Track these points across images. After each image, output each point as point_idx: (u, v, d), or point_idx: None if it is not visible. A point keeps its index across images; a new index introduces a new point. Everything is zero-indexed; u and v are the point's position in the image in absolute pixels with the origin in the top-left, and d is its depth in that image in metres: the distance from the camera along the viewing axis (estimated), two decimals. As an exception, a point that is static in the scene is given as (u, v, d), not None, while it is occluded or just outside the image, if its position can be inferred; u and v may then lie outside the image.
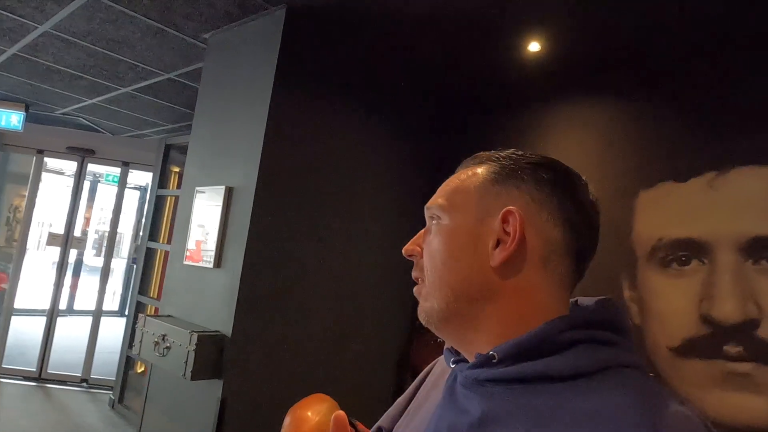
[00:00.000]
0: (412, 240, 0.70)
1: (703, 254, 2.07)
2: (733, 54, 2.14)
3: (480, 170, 0.66)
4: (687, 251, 2.11)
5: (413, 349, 2.75)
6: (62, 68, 3.42)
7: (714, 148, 2.12)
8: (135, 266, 5.41)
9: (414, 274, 0.68)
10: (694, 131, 2.19)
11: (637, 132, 2.35)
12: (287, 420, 1.62)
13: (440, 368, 0.75)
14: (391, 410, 0.82)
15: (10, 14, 2.67)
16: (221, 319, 2.19)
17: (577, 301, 0.64)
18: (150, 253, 4.77)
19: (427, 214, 0.69)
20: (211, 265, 2.31)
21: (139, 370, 4.76)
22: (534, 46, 2.40)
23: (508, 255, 0.59)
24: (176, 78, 3.33)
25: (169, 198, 4.71)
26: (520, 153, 0.66)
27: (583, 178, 0.66)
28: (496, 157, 0.66)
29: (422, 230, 0.70)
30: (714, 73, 2.19)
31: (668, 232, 2.17)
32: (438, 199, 0.67)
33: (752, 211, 1.98)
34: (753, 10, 1.90)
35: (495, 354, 0.57)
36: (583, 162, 2.50)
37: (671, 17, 2.02)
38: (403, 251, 0.70)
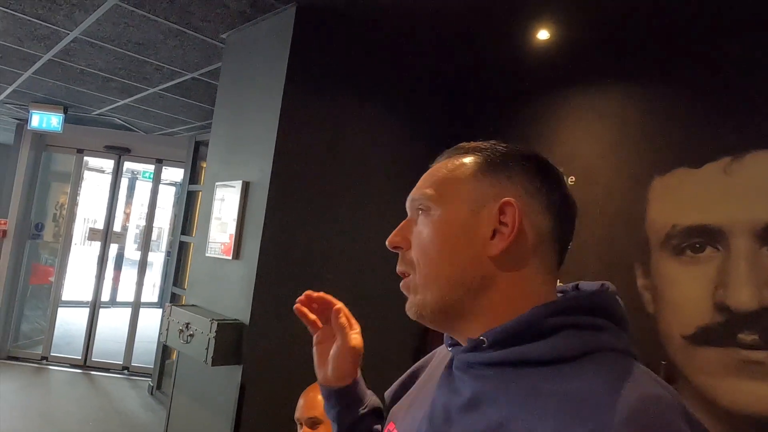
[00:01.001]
0: (395, 231, 0.69)
1: (717, 241, 2.03)
2: (746, 36, 2.08)
3: (467, 160, 0.66)
4: (701, 238, 2.07)
5: (430, 335, 2.79)
6: (94, 71, 3.60)
7: (729, 132, 2.06)
8: (170, 259, 5.64)
9: (399, 268, 0.68)
10: (708, 116, 2.13)
11: (650, 118, 2.31)
12: (301, 401, 1.70)
13: (443, 353, 0.78)
14: (394, 386, 0.85)
15: (43, 22, 2.83)
16: (240, 308, 2.29)
17: (578, 285, 0.65)
18: (183, 246, 4.96)
19: (412, 205, 0.68)
20: (230, 257, 2.41)
21: (176, 358, 4.97)
22: (544, 34, 2.38)
23: (507, 245, 0.60)
24: (200, 77, 3.45)
25: (200, 193, 4.89)
26: (504, 144, 0.67)
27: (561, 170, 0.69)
28: (482, 148, 0.67)
29: (405, 221, 0.69)
30: (728, 56, 2.13)
31: (682, 218, 2.14)
32: (426, 189, 0.66)
33: (768, 196, 1.93)
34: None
35: (484, 339, 0.60)
36: (596, 149, 2.47)
37: (683, 0, 1.98)
38: (387, 243, 0.69)
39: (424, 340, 2.83)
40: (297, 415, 1.57)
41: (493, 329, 0.59)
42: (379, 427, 0.83)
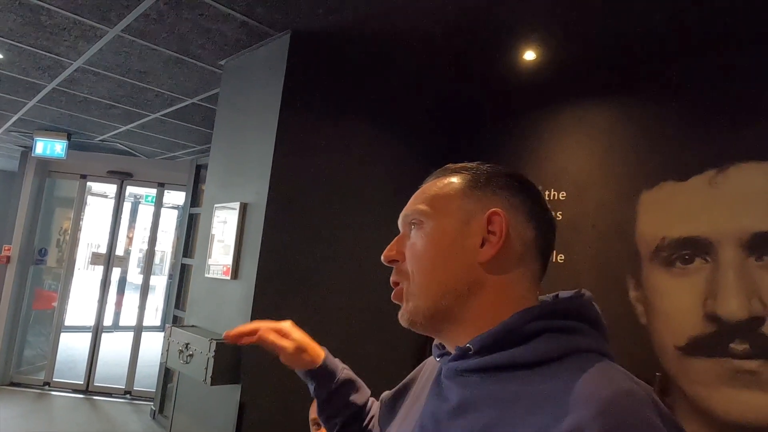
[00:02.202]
0: (390, 246, 0.74)
1: (706, 252, 2.07)
2: (728, 50, 2.14)
3: (455, 179, 0.72)
4: (690, 250, 2.11)
5: (429, 350, 2.81)
6: (97, 98, 3.69)
7: (713, 145, 2.11)
8: (172, 281, 5.67)
9: (394, 278, 0.73)
10: (693, 130, 2.19)
11: (637, 133, 2.36)
12: (313, 403, 1.73)
13: (432, 364, 0.82)
14: (391, 392, 0.91)
15: (47, 53, 2.93)
16: (238, 328, 2.32)
17: (558, 294, 0.70)
18: (185, 269, 4.99)
19: (404, 221, 0.74)
20: (229, 277, 2.45)
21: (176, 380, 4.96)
22: (530, 55, 2.46)
23: (496, 251, 0.66)
24: (200, 102, 3.54)
25: (201, 215, 4.94)
26: (487, 165, 0.74)
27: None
28: (467, 168, 0.73)
29: (398, 236, 0.74)
30: (710, 71, 2.19)
31: (671, 231, 2.18)
32: (419, 205, 0.72)
33: (753, 207, 1.97)
34: (748, 5, 1.90)
35: (470, 346, 0.64)
36: (585, 165, 2.53)
37: (665, 18, 2.05)
38: (383, 258, 0.74)
39: (422, 357, 2.84)
40: (311, 416, 1.64)
41: (478, 336, 0.64)
42: (356, 396, 0.94)
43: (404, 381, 0.89)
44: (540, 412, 0.54)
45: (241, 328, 0.89)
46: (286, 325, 0.93)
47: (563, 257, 2.48)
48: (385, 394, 0.92)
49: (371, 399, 0.98)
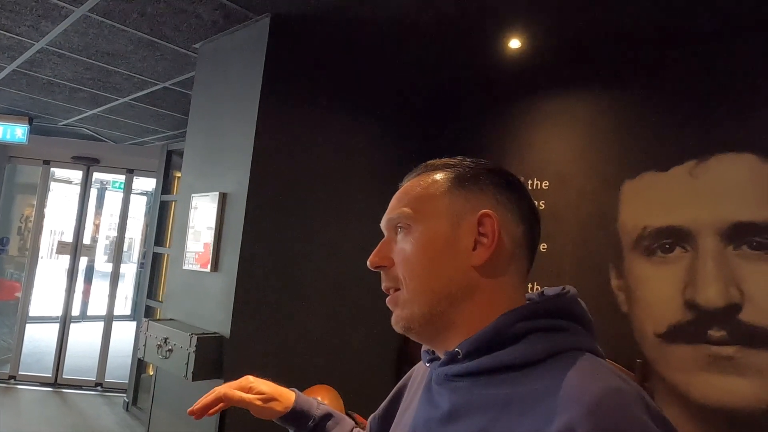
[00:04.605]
0: (375, 252, 0.70)
1: (685, 241, 2.11)
2: (709, 45, 2.17)
3: (439, 177, 0.69)
4: (670, 239, 2.15)
5: (410, 342, 2.81)
6: (61, 82, 3.51)
7: (693, 137, 2.15)
8: (143, 271, 5.52)
9: (385, 285, 0.70)
10: (673, 121, 2.22)
11: (618, 124, 2.38)
12: None
13: (421, 370, 0.80)
14: (378, 411, 0.89)
15: (6, 33, 2.75)
16: (219, 321, 2.27)
17: (543, 292, 0.68)
18: (157, 258, 4.86)
19: (389, 224, 0.70)
20: (208, 269, 2.38)
21: (152, 373, 4.86)
22: (515, 43, 2.44)
23: (490, 254, 0.64)
24: (172, 87, 3.40)
25: (173, 203, 4.81)
26: (470, 160, 0.70)
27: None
28: (451, 164, 0.70)
29: (384, 241, 0.71)
30: (690, 63, 2.22)
31: (652, 220, 2.21)
32: (403, 208, 0.69)
33: (732, 197, 2.01)
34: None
35: (459, 351, 0.62)
36: (568, 155, 2.54)
37: (646, 10, 2.05)
38: (369, 264, 0.70)
39: (404, 350, 2.85)
40: None
41: (466, 340, 0.62)
42: (338, 428, 0.91)
43: (390, 396, 0.87)
44: (531, 414, 0.53)
45: (203, 401, 0.83)
46: (249, 379, 0.89)
47: (546, 246, 2.50)
48: (373, 416, 0.90)
49: (356, 429, 0.94)
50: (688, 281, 2.08)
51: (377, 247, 0.71)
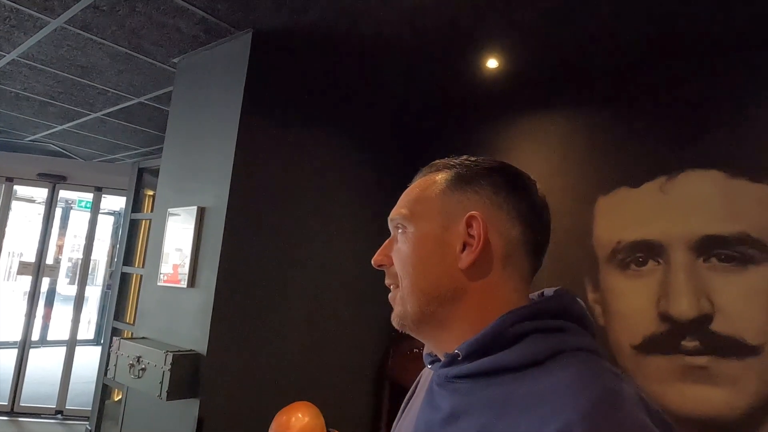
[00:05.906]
0: (379, 251, 0.73)
1: (658, 255, 2.18)
2: (678, 65, 2.28)
3: (438, 178, 0.71)
4: (643, 252, 2.22)
5: (391, 358, 2.79)
6: (31, 95, 3.42)
7: (663, 154, 2.24)
8: (110, 292, 5.33)
9: (387, 281, 0.73)
10: (644, 139, 2.31)
11: (592, 142, 2.47)
12: (273, 425, 1.66)
13: (426, 374, 0.80)
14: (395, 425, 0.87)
15: (-24, 44, 2.68)
16: (196, 338, 2.21)
17: (543, 292, 0.69)
18: (125, 278, 4.71)
19: (391, 224, 0.73)
20: (185, 285, 2.32)
21: (117, 398, 4.66)
22: (492, 63, 2.51)
23: (475, 257, 0.64)
24: (147, 102, 3.36)
25: (143, 222, 4.69)
26: (473, 159, 0.72)
27: (532, 177, 0.73)
28: (452, 164, 0.71)
29: (388, 240, 0.74)
30: (658, 84, 2.33)
31: (626, 235, 2.28)
32: (401, 209, 0.71)
33: (701, 211, 2.10)
34: (697, 18, 2.02)
35: (459, 352, 0.62)
36: (544, 172, 2.60)
37: (616, 32, 2.15)
38: (372, 262, 0.74)
39: (384, 366, 2.82)
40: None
41: (465, 342, 0.63)
42: None
43: (403, 405, 0.86)
44: (530, 415, 0.53)
45: None
46: None
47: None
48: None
49: None
50: (661, 293, 2.14)
51: (381, 246, 0.74)
